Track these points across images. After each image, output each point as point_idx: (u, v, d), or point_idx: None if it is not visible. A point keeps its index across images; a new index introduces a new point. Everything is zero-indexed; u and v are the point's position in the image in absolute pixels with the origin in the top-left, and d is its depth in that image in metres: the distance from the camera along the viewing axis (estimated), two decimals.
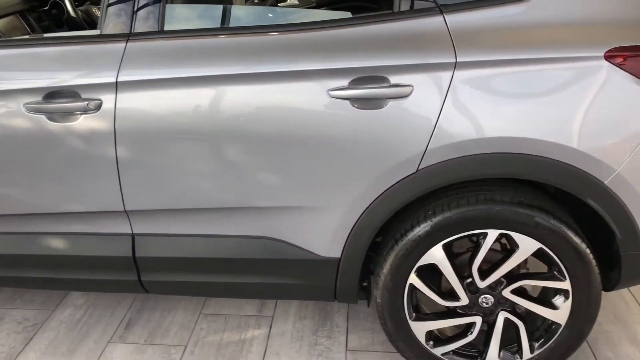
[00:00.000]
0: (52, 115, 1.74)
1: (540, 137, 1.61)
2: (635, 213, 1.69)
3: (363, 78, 1.64)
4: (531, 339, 1.90)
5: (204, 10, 1.92)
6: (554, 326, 1.87)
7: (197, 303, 2.46)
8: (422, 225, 1.76)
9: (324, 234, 1.82)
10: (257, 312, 2.40)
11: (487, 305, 1.87)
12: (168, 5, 1.76)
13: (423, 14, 1.65)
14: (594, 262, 1.75)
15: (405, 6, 1.67)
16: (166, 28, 1.76)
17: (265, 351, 2.17)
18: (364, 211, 1.76)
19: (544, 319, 1.89)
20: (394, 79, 1.63)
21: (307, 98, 1.67)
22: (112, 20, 1.76)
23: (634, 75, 1.58)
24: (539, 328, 1.92)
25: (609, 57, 1.58)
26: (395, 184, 1.71)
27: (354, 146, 1.68)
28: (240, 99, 1.69)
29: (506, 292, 1.84)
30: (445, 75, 1.61)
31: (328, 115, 1.67)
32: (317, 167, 1.73)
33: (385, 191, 1.72)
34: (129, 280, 1.97)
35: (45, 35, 1.85)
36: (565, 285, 1.79)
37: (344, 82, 1.64)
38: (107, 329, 2.30)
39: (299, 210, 1.80)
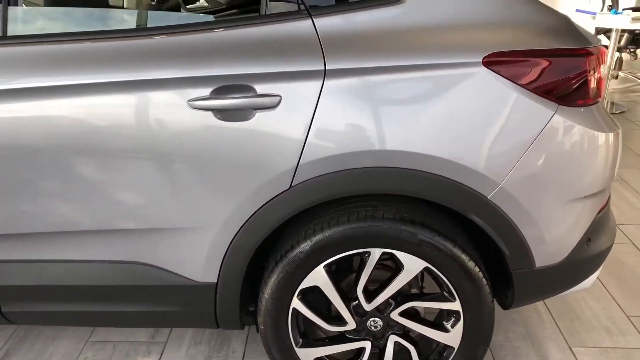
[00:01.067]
0: None
1: (414, 149, 1.50)
2: (523, 229, 1.59)
3: (226, 87, 1.49)
4: None
5: (53, 13, 1.74)
6: (447, 350, 1.76)
7: (86, 330, 2.27)
8: (302, 245, 1.62)
9: (198, 257, 1.67)
10: (150, 339, 2.22)
11: (376, 329, 1.75)
12: (11, 8, 1.58)
13: (291, 18, 1.52)
14: (484, 281, 1.65)
15: (272, 9, 1.54)
16: (10, 33, 1.58)
17: None
18: (238, 231, 1.62)
19: (438, 343, 1.77)
20: (260, 88, 1.49)
21: (166, 109, 1.51)
22: None
23: (514, 82, 1.48)
24: (434, 352, 1.81)
25: (487, 63, 1.48)
26: (268, 201, 1.57)
27: (220, 161, 1.54)
28: (94, 110, 1.52)
29: (395, 315, 1.72)
30: (315, 84, 1.48)
31: (190, 128, 1.51)
32: (182, 185, 1.57)
33: (258, 209, 1.58)
34: None
35: None
36: (456, 306, 1.68)
37: (206, 91, 1.50)
38: None
39: (169, 232, 1.64)
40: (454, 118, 1.49)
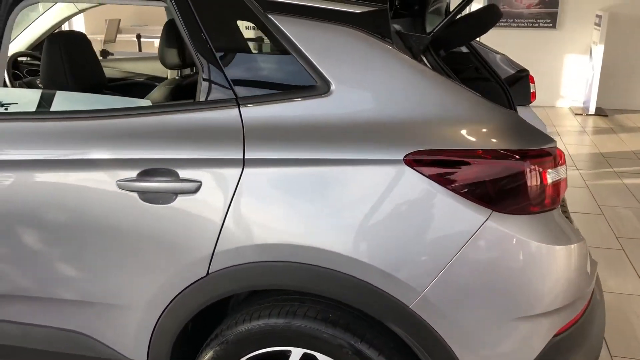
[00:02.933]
0: None
1: (328, 247, 1.41)
2: (453, 345, 1.42)
3: (151, 170, 1.52)
4: None
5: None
6: None
7: None
8: (225, 335, 1.57)
9: (128, 334, 1.67)
10: None
11: None
12: None
13: (220, 106, 1.52)
14: None
15: (204, 96, 1.56)
16: None
17: None
18: (162, 313, 1.60)
19: None
20: (182, 172, 1.50)
21: (97, 188, 1.57)
22: None
23: (438, 183, 1.36)
24: None
25: (409, 161, 1.38)
26: (188, 286, 1.55)
27: (143, 242, 1.55)
28: (35, 184, 1.62)
29: None
30: (234, 172, 1.47)
31: (117, 207, 1.55)
32: (110, 262, 1.60)
33: (179, 293, 1.57)
34: None
35: None
36: None
37: (133, 173, 1.53)
38: None
39: (104, 306, 1.67)
40: (372, 218, 1.40)
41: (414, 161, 1.38)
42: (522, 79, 2.57)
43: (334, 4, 1.50)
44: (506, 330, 1.43)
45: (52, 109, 1.73)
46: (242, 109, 1.50)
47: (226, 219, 1.48)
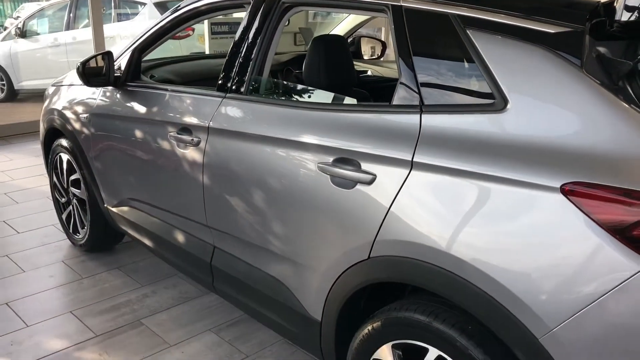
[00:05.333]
0: None
1: (470, 260, 1.44)
2: None
3: (343, 158, 1.77)
4: None
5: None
6: None
7: None
8: (379, 317, 1.74)
9: (311, 292, 1.97)
10: None
11: None
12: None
13: (406, 111, 1.67)
14: None
15: (397, 100, 1.71)
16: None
17: None
18: (334, 282, 1.84)
19: None
20: (364, 165, 1.71)
21: (305, 165, 1.89)
22: None
23: (591, 218, 1.27)
24: None
25: (566, 191, 1.31)
26: (355, 264, 1.76)
27: (327, 218, 1.83)
28: (266, 156, 2.03)
29: None
30: (403, 172, 1.61)
31: (314, 185, 1.85)
32: (303, 228, 1.94)
33: (348, 268, 1.78)
34: None
35: None
36: None
37: (330, 159, 1.80)
38: None
39: (297, 264, 2.00)
40: (518, 241, 1.38)
41: (572, 191, 1.31)
42: None
43: (530, 22, 1.49)
44: None
45: (284, 101, 2.14)
46: (423, 116, 1.62)
47: (388, 213, 1.63)
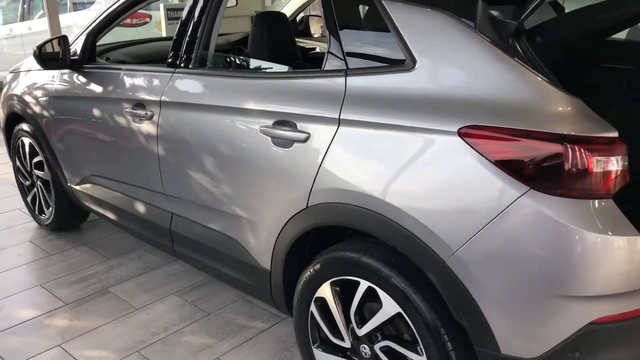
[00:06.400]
0: None
1: (389, 199, 1.67)
2: (482, 305, 1.56)
3: (282, 121, 1.98)
4: None
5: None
6: None
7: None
8: (319, 259, 1.96)
9: (261, 245, 2.18)
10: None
11: (366, 356, 1.92)
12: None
13: (334, 75, 1.88)
14: (449, 346, 1.66)
15: (326, 66, 1.93)
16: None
17: None
18: (279, 233, 2.06)
19: None
20: (299, 125, 1.92)
21: (248, 129, 2.09)
22: None
23: (482, 154, 1.51)
24: None
25: (462, 134, 1.55)
26: (296, 214, 1.97)
27: (270, 176, 2.04)
28: (211, 123, 2.23)
29: (377, 348, 1.87)
30: (332, 129, 1.83)
31: (257, 146, 2.05)
32: (250, 186, 2.14)
33: (291, 218, 2.00)
34: None
35: None
36: None
37: (270, 122, 2.01)
38: None
39: (247, 220, 2.21)
40: (424, 179, 1.62)
41: (466, 134, 1.54)
42: None
43: None
44: (536, 305, 1.50)
45: (227, 71, 2.33)
46: (347, 78, 1.84)
47: (321, 165, 1.85)
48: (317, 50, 3.92)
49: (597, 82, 2.57)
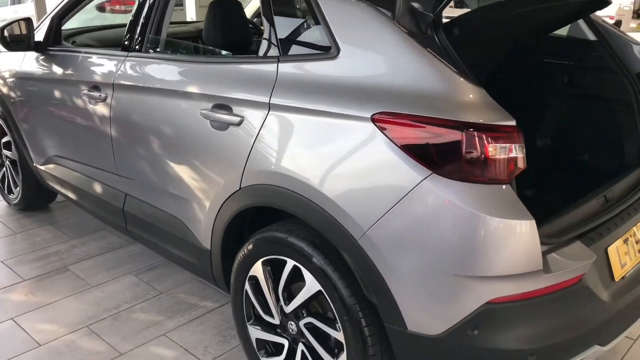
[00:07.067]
0: None
1: (307, 180, 1.75)
2: (390, 282, 1.64)
3: (220, 104, 2.05)
4: None
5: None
6: None
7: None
8: (251, 239, 2.04)
9: (202, 224, 2.26)
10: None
11: (293, 332, 2.00)
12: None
13: (269, 61, 1.95)
14: (363, 322, 1.74)
15: (261, 52, 2.00)
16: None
17: None
18: (217, 213, 2.13)
19: None
20: (235, 109, 1.99)
21: (190, 112, 2.16)
22: None
23: (391, 139, 1.58)
24: None
25: (375, 119, 1.62)
26: (231, 195, 2.05)
27: (209, 158, 2.11)
28: (156, 106, 2.30)
29: (301, 324, 1.95)
30: (263, 113, 1.90)
31: (197, 129, 2.13)
32: (192, 168, 2.22)
33: (227, 199, 2.07)
34: None
35: None
36: (340, 337, 1.81)
37: (209, 105, 2.08)
38: None
39: (189, 201, 2.28)
40: (338, 161, 1.69)
41: (378, 119, 1.61)
42: None
43: None
44: (438, 284, 1.58)
45: (174, 55, 2.41)
46: (279, 64, 1.91)
47: (252, 148, 1.92)
48: None
49: (540, 76, 2.64)
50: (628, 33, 2.54)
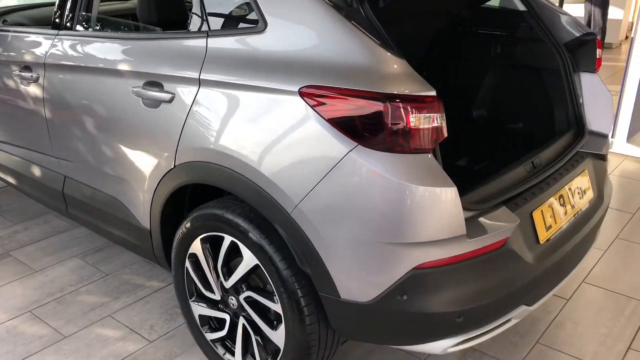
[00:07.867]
0: None
1: (239, 156, 1.76)
2: (322, 253, 1.67)
3: (151, 82, 2.02)
4: (266, 354, 1.98)
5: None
6: (276, 348, 1.92)
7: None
8: (189, 217, 2.04)
9: (139, 203, 2.24)
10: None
11: (233, 307, 2.03)
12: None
13: (198, 36, 1.93)
14: (299, 294, 1.77)
15: (190, 27, 1.98)
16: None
17: None
18: (154, 192, 2.12)
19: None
20: (166, 86, 1.97)
21: (122, 90, 2.12)
22: None
23: (318, 112, 1.60)
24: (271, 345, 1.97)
25: (302, 93, 1.63)
26: (166, 173, 2.04)
27: (142, 136, 2.09)
28: (86, 85, 2.26)
29: (241, 299, 1.97)
30: (193, 89, 1.89)
31: (129, 107, 2.10)
32: (126, 147, 2.19)
33: (162, 178, 2.06)
34: None
35: None
36: (278, 308, 1.84)
37: (140, 83, 2.05)
38: None
39: (126, 181, 2.26)
40: (268, 135, 1.70)
41: (305, 93, 1.63)
42: (587, 43, 2.40)
43: None
44: (367, 252, 1.62)
45: (104, 33, 2.36)
46: (208, 40, 1.89)
47: (184, 125, 1.91)
48: None
49: (475, 48, 2.69)
50: (566, 3, 2.61)
